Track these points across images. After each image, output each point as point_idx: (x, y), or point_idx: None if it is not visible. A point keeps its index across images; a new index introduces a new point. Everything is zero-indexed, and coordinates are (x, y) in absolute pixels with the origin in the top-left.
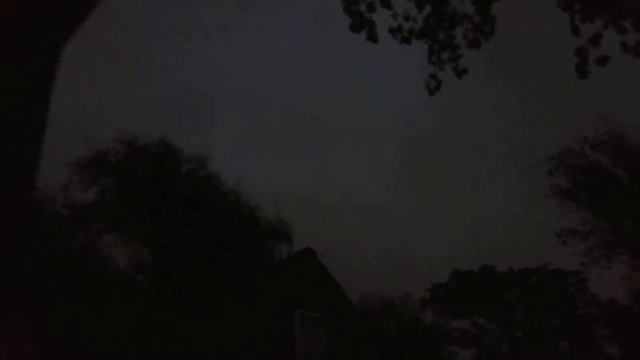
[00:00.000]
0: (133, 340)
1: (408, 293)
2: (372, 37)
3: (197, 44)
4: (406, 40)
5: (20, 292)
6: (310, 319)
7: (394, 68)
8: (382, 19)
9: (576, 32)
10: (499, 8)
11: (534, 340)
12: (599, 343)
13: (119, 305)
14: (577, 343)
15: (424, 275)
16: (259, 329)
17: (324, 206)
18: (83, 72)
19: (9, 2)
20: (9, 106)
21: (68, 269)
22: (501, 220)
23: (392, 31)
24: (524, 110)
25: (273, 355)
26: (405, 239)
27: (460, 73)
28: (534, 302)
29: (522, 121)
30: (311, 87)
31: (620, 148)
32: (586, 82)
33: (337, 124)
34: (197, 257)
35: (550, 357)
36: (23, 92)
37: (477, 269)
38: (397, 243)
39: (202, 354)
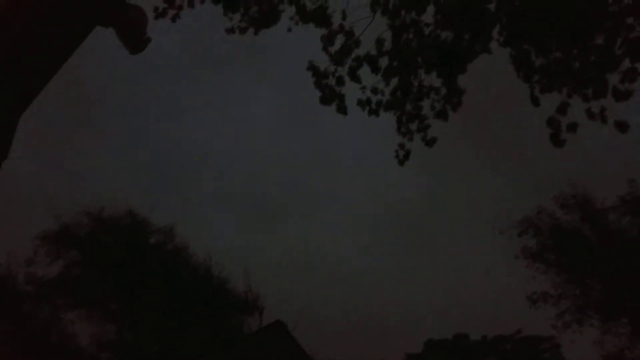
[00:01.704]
0: None
1: None
2: (342, 110)
3: (163, 113)
4: (374, 112)
5: None
6: None
7: (367, 137)
8: (355, 92)
9: (536, 102)
10: (467, 79)
11: None
12: None
13: None
14: None
15: (398, 345)
16: None
17: (295, 275)
18: (49, 145)
19: None
20: None
21: (30, 347)
22: (474, 285)
23: (360, 104)
24: (495, 175)
25: None
26: (378, 308)
27: (429, 142)
28: None
29: (495, 186)
30: (283, 155)
31: (588, 209)
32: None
33: (309, 192)
34: (165, 332)
35: None
36: None
37: (451, 337)
38: (370, 311)
39: None
